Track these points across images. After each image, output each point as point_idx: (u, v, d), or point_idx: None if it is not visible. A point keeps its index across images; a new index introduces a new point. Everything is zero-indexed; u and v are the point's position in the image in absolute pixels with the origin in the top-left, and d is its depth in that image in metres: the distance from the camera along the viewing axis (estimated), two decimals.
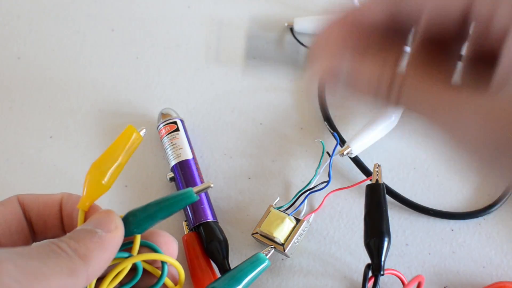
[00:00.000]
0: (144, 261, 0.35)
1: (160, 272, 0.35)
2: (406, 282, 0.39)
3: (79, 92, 0.50)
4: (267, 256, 0.38)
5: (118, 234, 0.31)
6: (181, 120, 0.46)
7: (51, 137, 0.48)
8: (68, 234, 0.30)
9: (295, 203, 0.43)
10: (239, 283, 0.37)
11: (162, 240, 0.36)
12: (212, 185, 0.34)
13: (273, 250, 0.39)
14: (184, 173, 0.44)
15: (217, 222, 0.43)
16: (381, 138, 0.46)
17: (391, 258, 0.42)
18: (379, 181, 0.41)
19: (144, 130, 0.36)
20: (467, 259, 0.42)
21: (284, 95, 0.50)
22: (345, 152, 0.45)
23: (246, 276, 0.37)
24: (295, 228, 0.41)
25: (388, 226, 0.39)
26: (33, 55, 0.53)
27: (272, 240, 0.41)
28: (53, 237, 0.36)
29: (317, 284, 0.41)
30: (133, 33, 0.54)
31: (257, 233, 0.42)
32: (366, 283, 0.38)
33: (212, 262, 0.41)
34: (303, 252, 0.43)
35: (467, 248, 0.42)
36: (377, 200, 0.40)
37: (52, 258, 0.27)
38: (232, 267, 0.40)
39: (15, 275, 0.25)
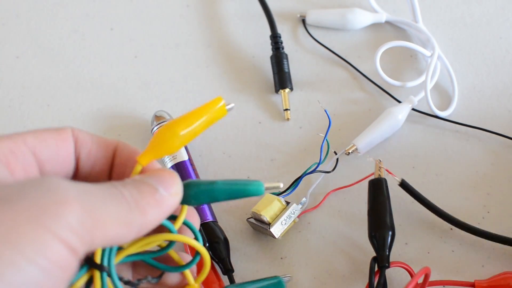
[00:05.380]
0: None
1: (183, 263, 0.33)
2: (414, 274, 0.39)
3: (77, 91, 0.50)
4: (286, 282, 0.39)
5: (177, 199, 0.29)
6: None
7: None
8: (129, 180, 0.28)
9: (289, 188, 0.44)
10: None
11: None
12: (281, 186, 0.32)
13: (290, 277, 0.40)
14: (180, 174, 0.43)
15: (217, 222, 0.43)
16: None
17: (390, 257, 0.42)
18: (381, 176, 0.41)
19: (232, 105, 0.33)
20: (466, 258, 0.42)
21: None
22: (350, 151, 0.45)
23: None
24: (284, 210, 0.42)
25: (392, 219, 0.39)
26: (31, 54, 0.52)
27: (260, 220, 0.41)
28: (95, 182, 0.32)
29: (316, 283, 0.41)
30: (132, 32, 0.54)
31: (251, 217, 0.42)
32: (373, 277, 0.38)
33: (214, 262, 0.41)
34: (302, 251, 0.43)
35: (467, 247, 0.42)
36: (380, 195, 0.40)
37: (113, 205, 0.26)
38: (233, 267, 0.40)
39: (80, 217, 0.24)
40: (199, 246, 0.32)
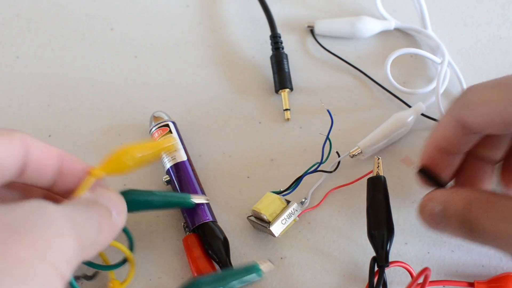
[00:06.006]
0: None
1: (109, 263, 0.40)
2: (414, 273, 0.39)
3: (77, 91, 0.50)
4: (264, 269, 0.39)
5: (124, 221, 0.32)
6: (173, 123, 0.46)
7: (49, 136, 0.48)
8: (85, 201, 0.30)
9: (290, 187, 0.44)
10: (224, 286, 0.37)
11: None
12: (208, 201, 0.42)
13: (271, 265, 0.39)
14: (179, 175, 0.44)
15: (216, 222, 0.43)
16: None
17: (390, 256, 0.42)
18: (380, 174, 0.41)
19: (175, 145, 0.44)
20: (466, 258, 0.42)
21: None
22: (355, 153, 0.45)
23: (234, 280, 0.38)
24: (284, 208, 0.42)
25: (391, 218, 0.39)
26: (32, 54, 0.52)
27: (260, 218, 0.41)
28: (36, 186, 0.35)
29: (315, 283, 0.41)
30: (132, 32, 0.54)
31: (251, 215, 0.43)
32: (373, 276, 0.38)
33: (214, 262, 0.41)
34: (302, 251, 0.43)
35: (466, 247, 0.42)
36: (379, 193, 0.40)
37: (90, 230, 0.29)
38: (234, 267, 0.40)
39: (74, 248, 0.27)
40: (127, 252, 0.38)
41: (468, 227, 0.31)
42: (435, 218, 0.35)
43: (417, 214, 0.37)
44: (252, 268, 0.38)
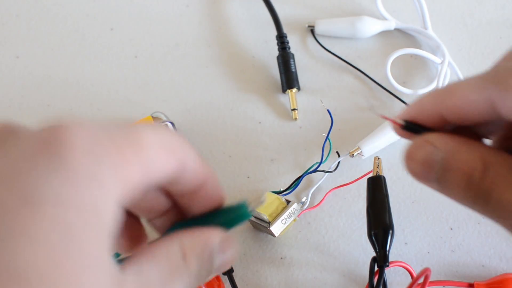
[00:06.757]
0: None
1: None
2: (414, 273, 0.39)
3: (78, 91, 0.50)
4: (252, 207, 0.28)
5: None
6: (172, 123, 0.46)
7: None
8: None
9: (290, 187, 0.44)
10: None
11: None
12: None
13: (262, 200, 0.29)
14: None
15: None
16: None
17: (390, 256, 0.42)
18: (380, 173, 0.41)
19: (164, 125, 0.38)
20: (466, 258, 0.42)
21: (282, 94, 0.50)
22: (355, 153, 0.45)
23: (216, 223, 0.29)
24: (284, 209, 0.42)
25: (391, 218, 0.39)
26: (32, 54, 0.52)
27: (260, 218, 0.41)
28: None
29: (315, 283, 0.41)
30: (132, 32, 0.54)
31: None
32: (373, 277, 0.38)
33: None
34: (302, 250, 0.43)
35: (466, 247, 0.42)
36: (379, 192, 0.40)
37: None
38: (233, 267, 0.40)
39: None
40: None
41: (475, 193, 0.24)
42: (429, 169, 0.26)
43: (403, 158, 0.27)
44: (237, 208, 0.29)
